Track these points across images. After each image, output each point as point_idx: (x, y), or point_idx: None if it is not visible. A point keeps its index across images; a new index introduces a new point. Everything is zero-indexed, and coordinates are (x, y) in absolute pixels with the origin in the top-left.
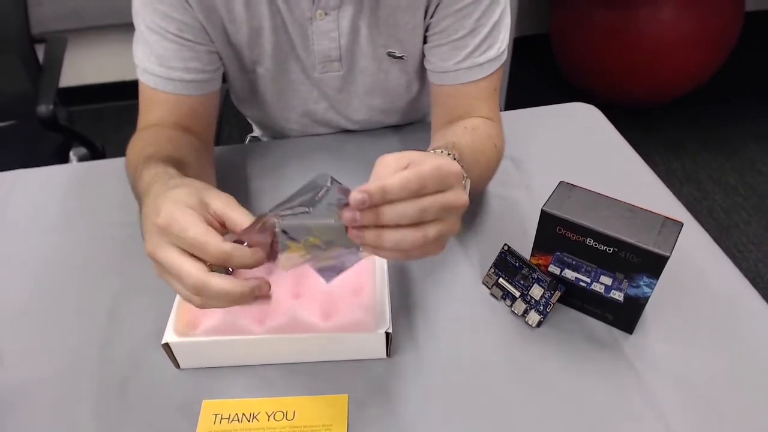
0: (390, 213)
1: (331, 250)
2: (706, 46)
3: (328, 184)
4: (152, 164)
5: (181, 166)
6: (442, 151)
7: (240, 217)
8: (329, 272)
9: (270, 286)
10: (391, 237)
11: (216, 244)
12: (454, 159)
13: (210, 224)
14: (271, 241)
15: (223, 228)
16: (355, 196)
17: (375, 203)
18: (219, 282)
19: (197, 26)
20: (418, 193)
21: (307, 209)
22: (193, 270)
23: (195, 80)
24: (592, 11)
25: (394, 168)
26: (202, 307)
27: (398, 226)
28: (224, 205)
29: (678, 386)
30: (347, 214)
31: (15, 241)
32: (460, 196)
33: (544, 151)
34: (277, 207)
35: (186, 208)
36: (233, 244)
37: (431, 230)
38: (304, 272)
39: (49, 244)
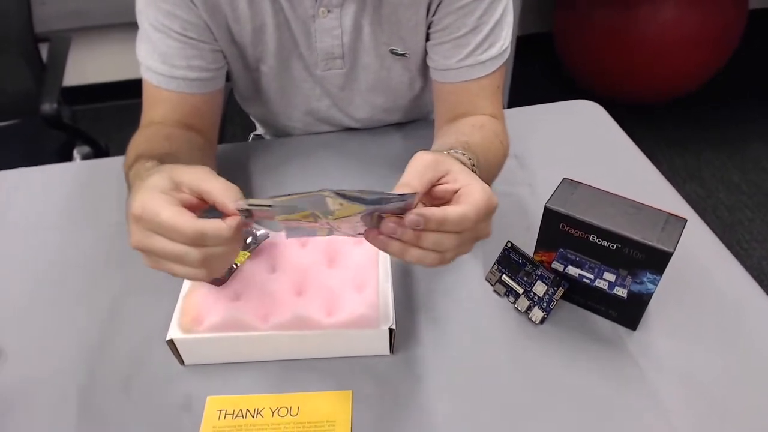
0: (430, 240)
1: (310, 222)
2: (709, 45)
3: (409, 199)
4: (139, 162)
5: (178, 163)
6: (464, 153)
7: (213, 186)
8: (294, 232)
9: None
10: (414, 254)
11: (189, 223)
12: (473, 165)
13: (187, 203)
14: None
15: (203, 203)
16: (411, 218)
17: (426, 229)
18: (213, 222)
19: (201, 25)
20: (465, 229)
21: (365, 201)
22: (188, 222)
23: (199, 78)
24: (595, 10)
25: (430, 176)
26: (208, 275)
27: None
28: (196, 179)
29: (681, 383)
30: (390, 225)
31: (18, 239)
32: (487, 229)
33: (547, 148)
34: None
35: (157, 193)
36: (206, 220)
37: (451, 255)
38: (308, 270)
39: (53, 242)
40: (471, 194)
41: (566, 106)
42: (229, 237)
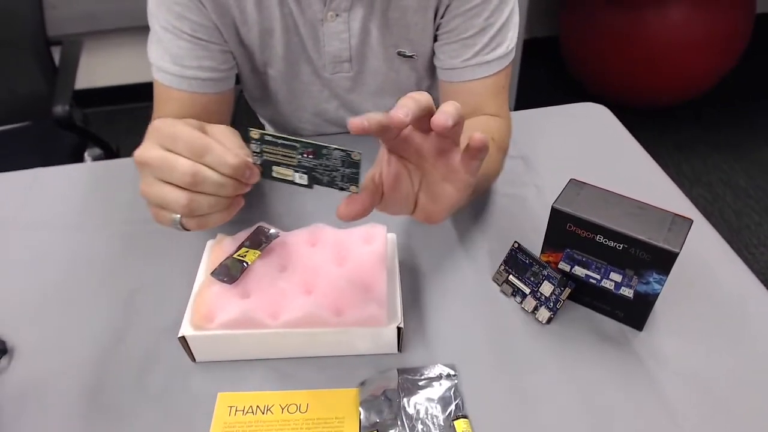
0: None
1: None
2: (716, 49)
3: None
4: None
5: None
6: None
7: (233, 141)
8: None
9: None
10: None
11: (198, 135)
12: None
13: None
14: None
15: None
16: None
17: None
18: (211, 169)
19: (211, 26)
20: None
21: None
22: (198, 134)
23: (210, 78)
24: (600, 13)
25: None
26: (188, 209)
27: None
28: (221, 131)
29: (687, 383)
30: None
31: (30, 239)
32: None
33: (554, 150)
34: None
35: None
36: (216, 143)
37: None
38: (317, 269)
39: (65, 242)
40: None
41: (573, 108)
42: (231, 164)
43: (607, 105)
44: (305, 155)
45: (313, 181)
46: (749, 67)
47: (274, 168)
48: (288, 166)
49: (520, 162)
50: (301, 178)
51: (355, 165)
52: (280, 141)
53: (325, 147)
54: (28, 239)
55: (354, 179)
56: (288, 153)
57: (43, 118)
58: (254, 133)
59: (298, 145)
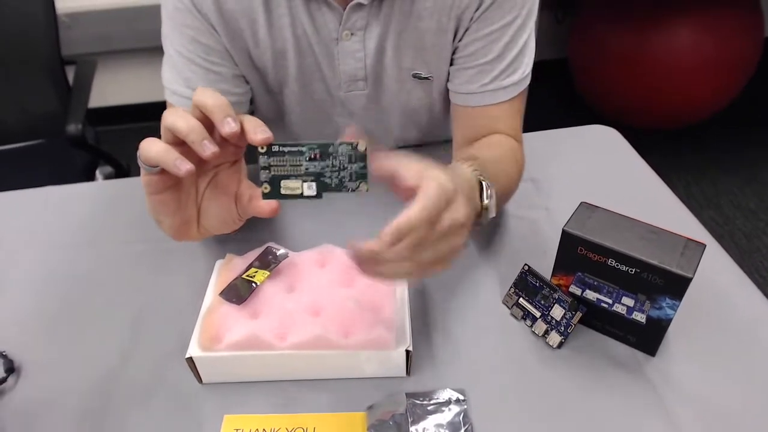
0: (387, 255)
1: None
2: (725, 71)
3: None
4: None
5: None
6: (470, 166)
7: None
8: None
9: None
10: (388, 270)
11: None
12: (480, 175)
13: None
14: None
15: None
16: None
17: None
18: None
19: (222, 51)
20: (431, 224)
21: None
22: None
23: None
24: (609, 36)
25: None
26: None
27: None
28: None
29: (700, 410)
30: (349, 253)
31: (42, 256)
32: (456, 214)
33: (564, 172)
34: None
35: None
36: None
37: (428, 256)
38: (326, 290)
39: (75, 260)
40: (423, 189)
41: (582, 130)
42: (217, 106)
43: (616, 127)
44: (312, 158)
45: (321, 189)
46: (759, 89)
47: (282, 183)
48: (296, 177)
49: (530, 184)
50: (309, 189)
51: (362, 158)
52: (286, 149)
53: (331, 144)
54: (37, 257)
55: (362, 176)
56: (295, 161)
57: (56, 136)
58: (261, 147)
59: (304, 148)
